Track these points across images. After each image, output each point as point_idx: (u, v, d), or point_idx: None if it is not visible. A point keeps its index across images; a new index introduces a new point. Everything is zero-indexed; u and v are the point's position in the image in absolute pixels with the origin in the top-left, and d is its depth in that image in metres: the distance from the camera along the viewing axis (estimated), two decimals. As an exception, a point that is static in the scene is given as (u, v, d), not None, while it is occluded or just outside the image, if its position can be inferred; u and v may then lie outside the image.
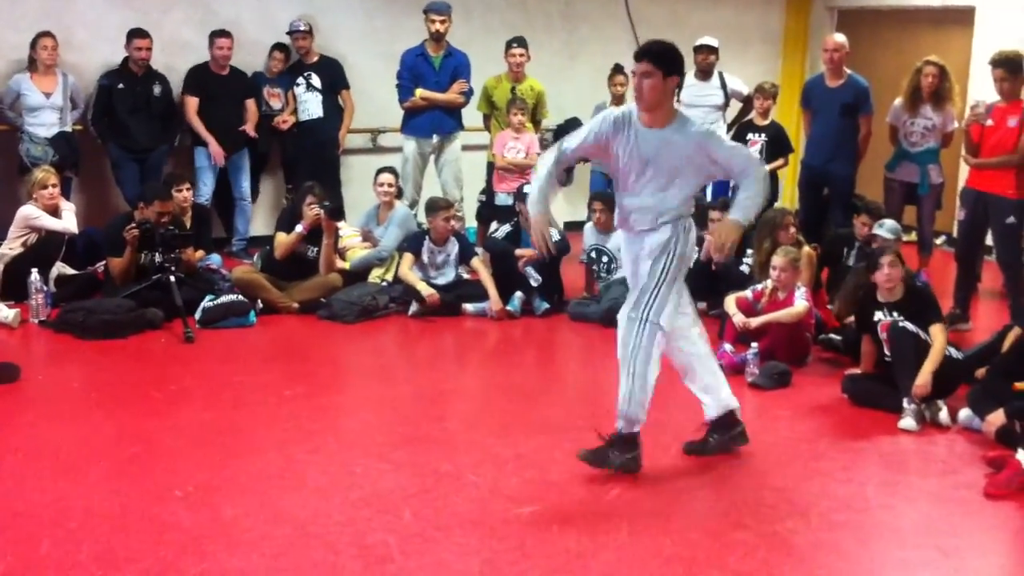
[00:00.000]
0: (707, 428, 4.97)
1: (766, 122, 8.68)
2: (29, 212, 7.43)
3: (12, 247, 7.39)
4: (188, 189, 7.87)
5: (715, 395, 4.92)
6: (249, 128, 8.88)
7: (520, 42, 8.88)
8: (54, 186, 7.51)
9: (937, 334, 5.52)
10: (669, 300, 4.60)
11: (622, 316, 4.66)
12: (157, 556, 3.82)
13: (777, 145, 8.63)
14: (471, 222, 9.23)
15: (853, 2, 11.17)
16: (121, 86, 8.41)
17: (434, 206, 7.74)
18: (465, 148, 9.07)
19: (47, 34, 8.10)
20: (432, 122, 8.77)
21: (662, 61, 4.45)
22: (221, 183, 8.98)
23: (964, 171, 7.54)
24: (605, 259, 7.62)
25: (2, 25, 8.40)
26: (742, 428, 5.00)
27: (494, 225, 8.45)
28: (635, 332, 4.55)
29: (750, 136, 8.70)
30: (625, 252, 4.90)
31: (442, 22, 8.57)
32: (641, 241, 4.68)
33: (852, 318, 6.26)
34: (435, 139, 8.81)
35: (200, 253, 7.71)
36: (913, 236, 8.59)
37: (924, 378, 5.37)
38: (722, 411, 4.94)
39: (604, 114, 4.72)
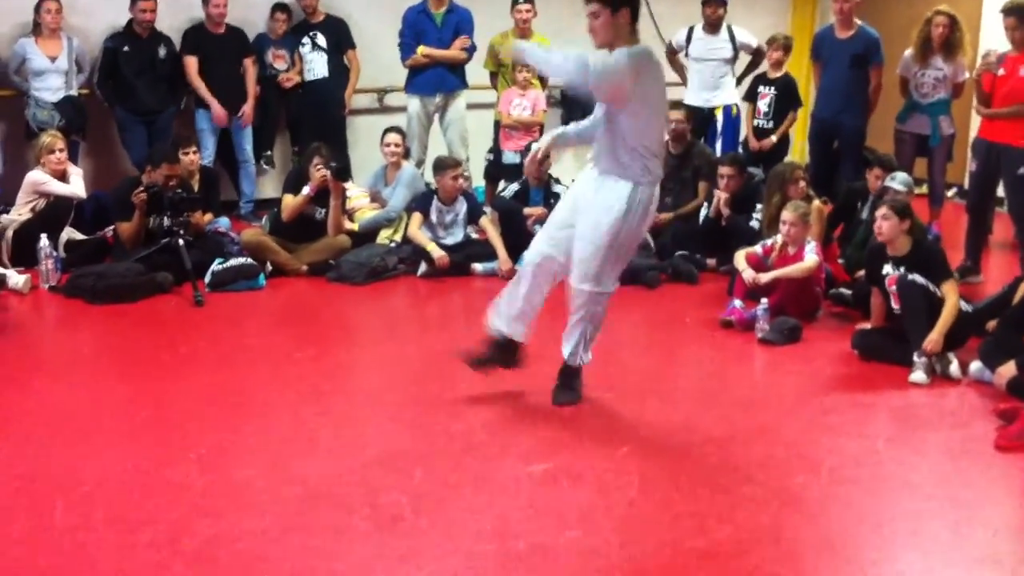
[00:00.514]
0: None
1: (778, 74, 8.59)
2: (37, 177, 7.42)
3: (21, 213, 7.39)
4: (195, 152, 7.85)
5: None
6: (251, 88, 8.82)
7: (527, -3, 8.81)
8: (61, 151, 7.50)
9: (949, 292, 5.47)
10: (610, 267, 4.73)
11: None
12: (170, 518, 3.84)
13: (786, 99, 8.56)
14: (478, 181, 9.20)
15: (863, -48, 11.03)
16: (127, 48, 8.38)
17: (441, 165, 7.71)
18: (471, 107, 9.03)
19: (51, -3, 8.05)
20: (435, 79, 8.72)
21: (610, 2, 4.44)
22: (226, 147, 8.95)
23: (975, 122, 7.48)
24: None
25: (5, -11, 8.36)
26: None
27: (502, 184, 8.43)
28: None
29: (761, 89, 8.64)
30: (576, 189, 4.87)
31: None
32: (598, 189, 4.65)
33: (862, 271, 6.25)
34: (439, 97, 8.76)
35: (209, 216, 7.71)
36: (924, 188, 8.55)
37: (936, 336, 5.34)
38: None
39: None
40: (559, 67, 4.68)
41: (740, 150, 8.67)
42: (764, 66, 8.82)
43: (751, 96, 8.73)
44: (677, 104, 8.46)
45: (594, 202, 4.64)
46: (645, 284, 7.03)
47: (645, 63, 4.50)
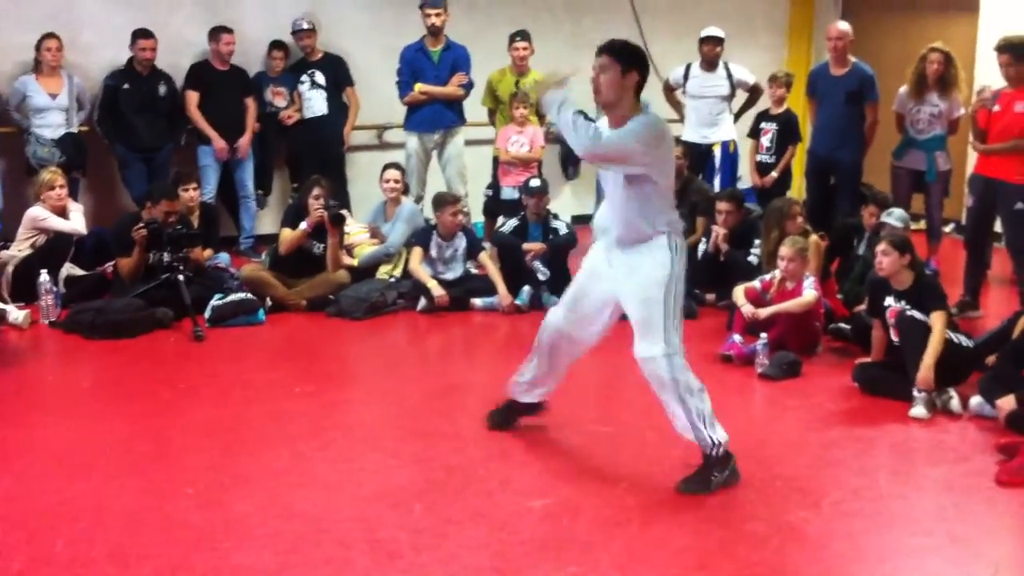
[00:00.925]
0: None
1: (780, 111, 8.68)
2: (37, 213, 7.44)
3: (21, 248, 7.40)
4: (195, 188, 7.88)
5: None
6: (250, 124, 8.87)
7: (523, 35, 8.87)
8: (61, 187, 7.52)
9: (936, 322, 5.48)
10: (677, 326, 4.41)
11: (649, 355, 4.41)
12: (169, 553, 3.83)
13: (787, 134, 8.64)
14: (477, 217, 9.23)
15: (858, -10, 11.15)
16: (127, 86, 8.42)
17: (441, 201, 7.74)
18: (469, 143, 9.07)
19: (51, 35, 8.10)
20: (433, 116, 8.77)
21: (621, 55, 4.35)
22: (227, 182, 8.99)
23: (972, 158, 7.52)
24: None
25: (8, 26, 8.40)
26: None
27: (501, 219, 8.45)
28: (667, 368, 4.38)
29: (763, 125, 8.74)
30: (605, 265, 4.62)
31: (438, 15, 8.57)
32: (631, 256, 4.45)
33: (863, 305, 6.26)
34: (437, 134, 8.81)
35: (208, 252, 7.72)
36: (922, 224, 8.58)
37: (925, 371, 5.34)
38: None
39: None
40: (574, 132, 4.33)
41: (724, 187, 8.68)
42: (766, 103, 8.88)
43: (754, 133, 8.80)
44: (675, 140, 8.49)
45: (637, 270, 4.40)
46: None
47: (661, 132, 4.41)
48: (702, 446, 4.44)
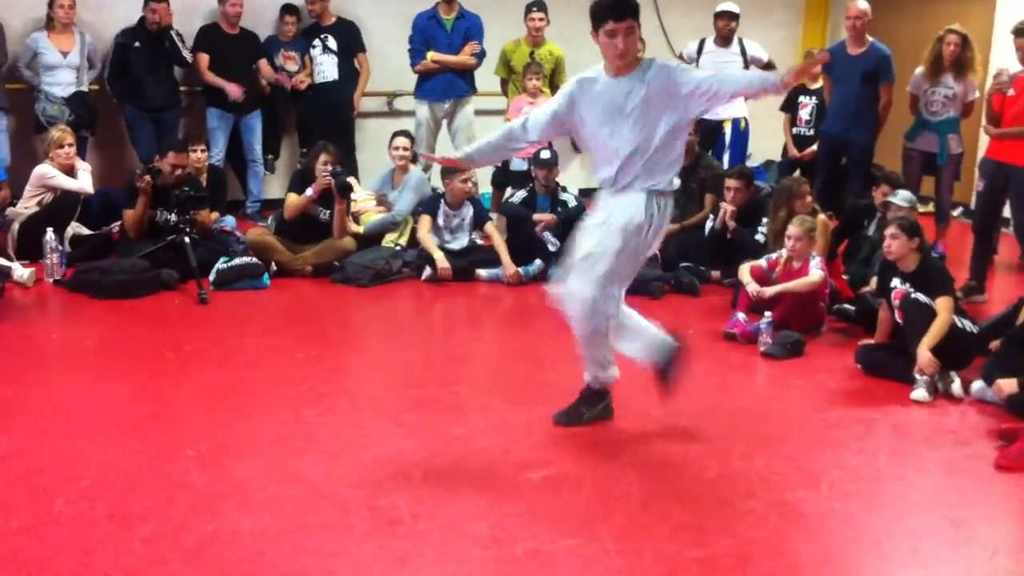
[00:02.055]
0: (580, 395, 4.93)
1: (817, 85, 8.72)
2: (45, 171, 7.44)
3: (27, 206, 7.41)
4: (203, 150, 7.87)
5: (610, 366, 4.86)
6: (266, 82, 8.85)
7: (540, 6, 8.82)
8: (70, 145, 7.52)
9: (942, 309, 5.46)
10: (613, 280, 4.52)
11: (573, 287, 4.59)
12: (169, 515, 3.84)
13: (824, 109, 8.68)
14: (485, 188, 9.21)
15: (876, -31, 11.05)
16: (137, 44, 8.40)
17: (450, 168, 7.71)
18: (480, 113, 9.04)
19: (64, -8, 8.08)
20: (444, 85, 8.74)
21: (638, 14, 4.39)
22: (236, 145, 8.97)
23: (984, 142, 7.49)
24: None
25: (19, -17, 8.39)
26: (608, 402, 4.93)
27: (509, 191, 8.43)
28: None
29: (801, 99, 8.87)
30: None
31: None
32: (612, 201, 4.53)
33: (870, 286, 6.26)
34: (447, 103, 8.78)
35: (215, 214, 7.72)
36: (931, 207, 8.55)
37: (924, 356, 5.34)
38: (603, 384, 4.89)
39: (565, 85, 4.67)
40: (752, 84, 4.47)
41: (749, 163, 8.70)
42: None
43: (790, 106, 8.85)
44: None
45: (614, 212, 4.49)
46: (649, 295, 7.02)
47: None
48: (586, 378, 4.81)
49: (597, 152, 4.57)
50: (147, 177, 6.98)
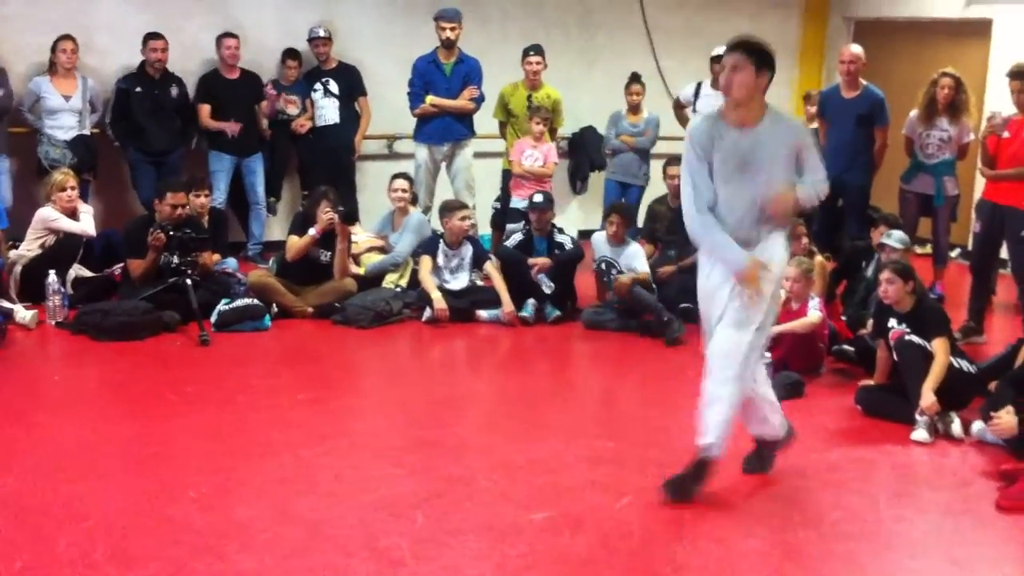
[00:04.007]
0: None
1: (812, 127, 8.75)
2: (47, 214, 7.47)
3: (30, 248, 7.43)
4: (207, 195, 7.93)
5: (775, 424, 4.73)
6: (263, 118, 8.93)
7: (537, 50, 8.89)
8: (72, 188, 7.56)
9: (939, 350, 5.50)
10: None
11: (730, 336, 4.35)
12: (171, 556, 3.84)
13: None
14: (484, 229, 9.25)
15: (870, 13, 11.18)
16: (139, 89, 8.48)
17: (448, 207, 7.79)
18: (478, 155, 9.10)
19: (67, 37, 8.16)
20: (443, 129, 8.80)
21: (755, 53, 4.25)
22: (238, 188, 9.03)
23: (980, 183, 7.54)
24: (615, 271, 7.63)
25: (23, 27, 8.47)
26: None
27: (510, 227, 8.47)
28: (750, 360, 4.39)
29: None
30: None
31: (452, 29, 8.60)
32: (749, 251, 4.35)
33: (868, 327, 6.28)
34: (446, 146, 8.84)
35: (216, 256, 7.75)
36: (928, 248, 8.60)
37: (928, 397, 5.35)
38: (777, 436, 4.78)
39: (690, 131, 4.46)
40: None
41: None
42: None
43: None
44: (676, 159, 8.56)
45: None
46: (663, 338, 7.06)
47: None
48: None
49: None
50: (160, 235, 7.02)
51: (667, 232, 8.02)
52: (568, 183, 10.39)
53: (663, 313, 7.18)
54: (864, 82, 8.12)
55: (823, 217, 8.45)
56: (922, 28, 10.69)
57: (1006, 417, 5.01)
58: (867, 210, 8.16)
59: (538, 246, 7.79)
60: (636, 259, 7.55)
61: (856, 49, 8.14)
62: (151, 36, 8.43)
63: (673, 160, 8.51)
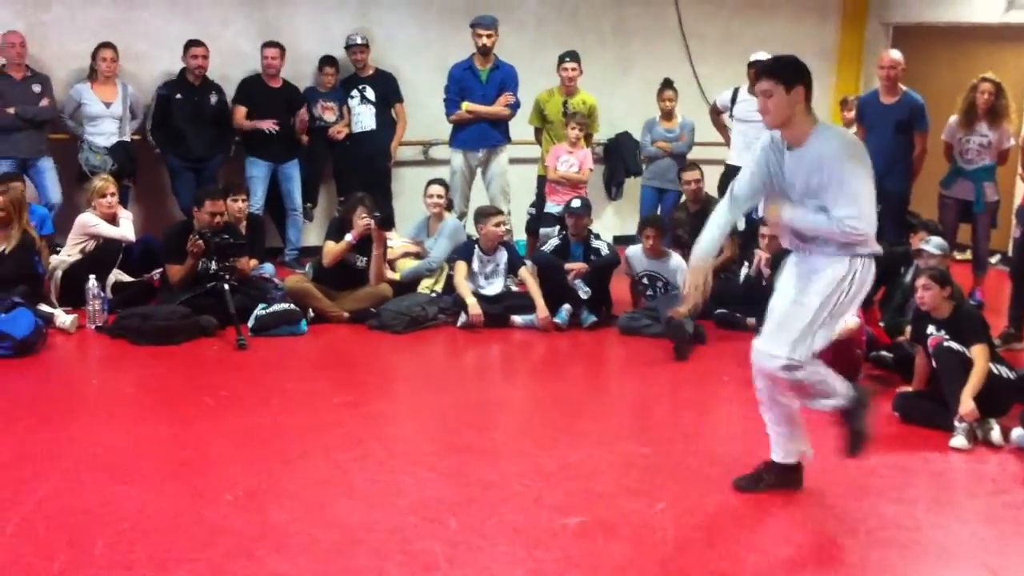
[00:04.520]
0: (765, 466, 4.68)
1: (852, 131, 8.71)
2: (87, 220, 7.56)
3: (70, 254, 7.52)
4: (244, 200, 7.99)
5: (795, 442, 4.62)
6: (301, 131, 8.98)
7: (573, 56, 8.90)
8: (112, 195, 7.64)
9: (978, 356, 5.45)
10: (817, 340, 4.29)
11: (769, 355, 4.37)
12: (208, 558, 3.87)
13: None
14: (520, 235, 9.26)
15: (908, 18, 11.10)
16: (179, 96, 8.56)
17: (484, 212, 7.81)
18: (513, 161, 9.11)
19: (107, 45, 8.27)
20: (478, 135, 8.82)
21: (780, 74, 4.21)
22: (274, 194, 9.09)
23: (1020, 189, 7.46)
24: (659, 284, 7.61)
25: (64, 35, 8.58)
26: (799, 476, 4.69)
27: (543, 233, 8.47)
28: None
29: None
30: (789, 272, 4.46)
31: (488, 36, 8.63)
32: (809, 264, 4.34)
33: (906, 334, 6.23)
34: (482, 152, 8.85)
35: (254, 262, 7.81)
36: (968, 254, 8.52)
37: (967, 404, 5.31)
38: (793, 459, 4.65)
39: (760, 144, 4.49)
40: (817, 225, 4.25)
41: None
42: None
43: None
44: (692, 165, 8.59)
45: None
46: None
47: (850, 142, 4.37)
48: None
49: None
50: (200, 242, 7.09)
51: (691, 237, 7.93)
52: (603, 189, 10.38)
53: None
54: (904, 88, 8.06)
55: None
56: (961, 33, 10.60)
57: None
58: (906, 216, 8.09)
59: (574, 251, 7.78)
60: (681, 272, 7.46)
61: (895, 54, 8.09)
62: (192, 43, 8.52)
63: (689, 166, 8.56)
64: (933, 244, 6.67)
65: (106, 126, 8.32)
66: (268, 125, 8.80)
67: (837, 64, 11.55)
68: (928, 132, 8.06)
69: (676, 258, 7.59)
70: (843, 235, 4.17)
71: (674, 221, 8.36)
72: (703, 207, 8.20)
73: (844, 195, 4.13)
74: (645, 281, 7.71)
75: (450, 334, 7.35)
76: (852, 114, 8.85)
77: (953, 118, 8.01)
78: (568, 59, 8.89)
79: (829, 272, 4.25)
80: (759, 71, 4.34)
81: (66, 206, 8.21)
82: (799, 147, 4.26)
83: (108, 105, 8.30)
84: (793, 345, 4.25)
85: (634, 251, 7.80)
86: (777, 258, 7.48)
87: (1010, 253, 7.94)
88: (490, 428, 5.51)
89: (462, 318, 7.41)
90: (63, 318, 6.94)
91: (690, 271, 4.65)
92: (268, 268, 8.14)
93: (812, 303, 4.24)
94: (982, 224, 8.12)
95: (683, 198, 8.71)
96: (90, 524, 4.13)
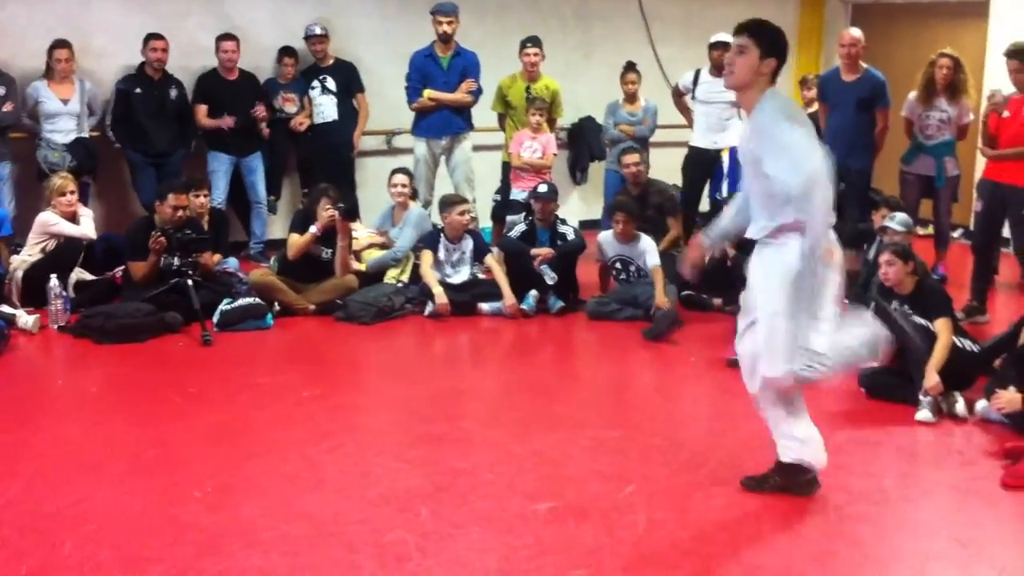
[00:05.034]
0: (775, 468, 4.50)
1: (811, 111, 8.79)
2: (47, 219, 7.48)
3: (31, 253, 7.43)
4: (206, 195, 7.93)
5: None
6: (261, 123, 8.93)
7: (534, 41, 8.89)
8: (72, 192, 7.56)
9: (942, 330, 5.51)
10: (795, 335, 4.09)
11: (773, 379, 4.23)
12: (177, 556, 3.85)
13: (820, 132, 8.74)
14: (485, 222, 9.25)
15: (867, -4, 11.16)
16: (139, 90, 8.47)
17: (448, 201, 7.79)
18: (477, 148, 9.09)
19: (62, 44, 8.13)
20: (441, 122, 8.79)
21: (762, 37, 4.04)
22: (238, 187, 9.03)
23: (980, 163, 7.53)
24: (632, 268, 7.63)
25: (20, 32, 8.45)
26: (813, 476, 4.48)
27: (509, 220, 8.47)
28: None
29: None
30: (753, 266, 4.30)
31: (449, 23, 8.59)
32: (763, 259, 4.22)
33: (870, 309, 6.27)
34: (445, 140, 8.83)
35: (217, 257, 7.76)
36: (930, 229, 8.58)
37: (932, 378, 5.36)
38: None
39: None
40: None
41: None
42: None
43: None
44: (632, 149, 8.61)
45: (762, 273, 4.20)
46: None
47: (792, 106, 4.28)
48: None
49: None
50: (162, 238, 7.03)
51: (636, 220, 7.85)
52: (568, 174, 10.39)
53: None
54: (865, 65, 8.09)
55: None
56: (920, 10, 10.67)
57: (1008, 393, 5.01)
58: (868, 193, 8.14)
59: (541, 237, 7.78)
60: (650, 253, 7.52)
61: (856, 32, 8.11)
62: (152, 36, 8.42)
63: (628, 149, 8.59)
64: (898, 221, 6.71)
65: (64, 123, 8.21)
66: (226, 123, 8.73)
67: (797, 43, 11.57)
68: (890, 109, 8.10)
69: (645, 240, 7.60)
70: (772, 200, 4.05)
71: (616, 204, 8.35)
72: (644, 190, 8.26)
73: (775, 150, 4.00)
74: (618, 266, 7.71)
75: (418, 323, 7.34)
76: (812, 93, 8.90)
77: (912, 94, 8.06)
78: (529, 44, 8.87)
79: (780, 268, 4.08)
80: (737, 26, 4.15)
81: (26, 205, 8.11)
82: (750, 116, 4.17)
83: (66, 102, 8.20)
84: (788, 359, 4.12)
85: (605, 236, 7.80)
86: (742, 240, 7.53)
87: (972, 227, 8.00)
88: (460, 417, 5.51)
89: (429, 307, 7.40)
90: (25, 319, 6.86)
91: (691, 246, 4.67)
92: (232, 262, 8.09)
93: (776, 315, 4.09)
94: (944, 199, 8.19)
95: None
96: (58, 525, 4.10)
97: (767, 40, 4.06)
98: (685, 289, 7.59)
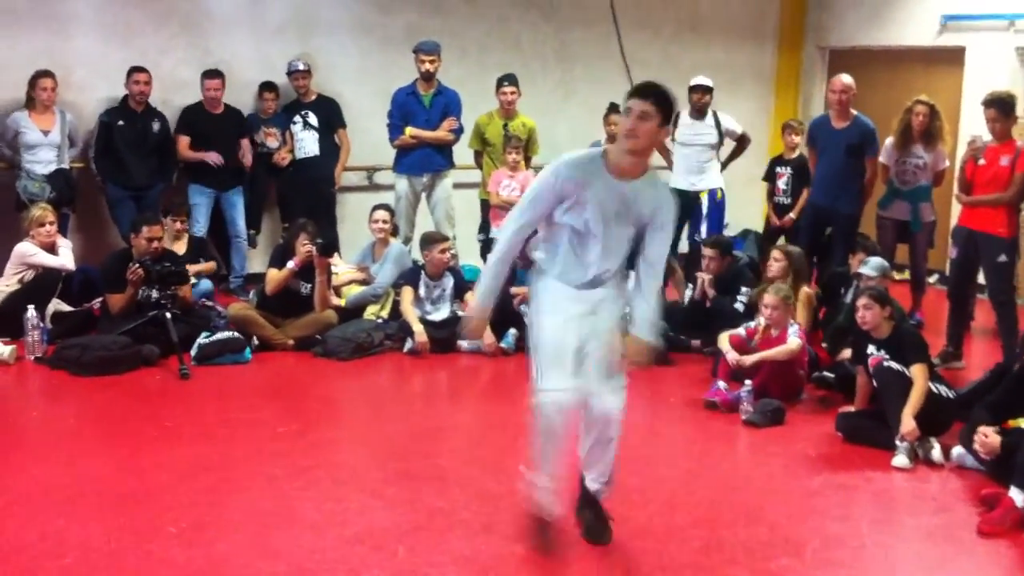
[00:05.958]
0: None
1: (793, 156, 9.02)
2: (26, 249, 7.45)
3: (8, 284, 7.40)
4: (183, 221, 7.94)
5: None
6: (245, 159, 8.94)
7: (511, 80, 8.94)
8: (51, 223, 7.54)
9: (918, 376, 5.54)
10: None
11: (604, 397, 4.41)
12: (150, 593, 3.82)
13: (801, 178, 8.98)
14: (466, 260, 9.25)
15: (844, 42, 11.29)
16: (121, 122, 8.46)
17: (429, 239, 7.80)
18: (458, 186, 9.12)
19: (46, 74, 8.13)
20: (422, 160, 8.82)
21: (664, 106, 3.99)
22: (218, 221, 9.02)
23: (956, 209, 7.59)
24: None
25: (1, 63, 8.43)
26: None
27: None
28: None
29: (778, 169, 9.11)
30: (570, 308, 4.27)
31: (431, 61, 8.65)
32: (598, 302, 4.29)
33: (847, 353, 6.32)
34: (426, 177, 8.86)
35: (211, 265, 7.90)
36: (906, 274, 8.65)
37: (908, 423, 5.38)
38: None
39: (556, 165, 4.13)
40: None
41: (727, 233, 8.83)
42: (755, 152, 9.12)
43: (769, 177, 9.17)
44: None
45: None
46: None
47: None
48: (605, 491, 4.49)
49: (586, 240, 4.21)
50: (140, 270, 7.01)
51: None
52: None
53: None
54: (855, 112, 8.10)
55: (805, 244, 8.47)
56: (896, 56, 10.80)
57: (993, 436, 5.03)
58: (854, 238, 8.14)
59: (520, 276, 7.79)
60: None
61: (847, 79, 8.07)
62: (135, 69, 8.42)
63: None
64: (871, 266, 6.77)
65: (44, 154, 8.18)
66: (213, 159, 8.73)
67: (775, 87, 11.72)
68: (879, 156, 8.11)
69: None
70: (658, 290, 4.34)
71: None
72: None
73: (660, 247, 4.22)
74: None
75: (396, 360, 7.32)
76: (796, 138, 8.99)
77: (889, 140, 8.12)
78: (506, 83, 8.92)
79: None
80: (641, 90, 4.06)
81: (4, 235, 8.06)
82: (631, 180, 4.08)
83: (46, 133, 8.18)
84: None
85: None
86: (721, 279, 7.58)
87: (947, 273, 8.06)
88: (437, 454, 5.49)
89: (408, 344, 7.39)
90: (1, 349, 6.81)
91: (471, 322, 4.71)
92: (205, 284, 8.07)
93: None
94: (920, 244, 8.25)
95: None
96: (32, 559, 4.06)
97: (668, 109, 4.03)
98: (671, 327, 7.56)
